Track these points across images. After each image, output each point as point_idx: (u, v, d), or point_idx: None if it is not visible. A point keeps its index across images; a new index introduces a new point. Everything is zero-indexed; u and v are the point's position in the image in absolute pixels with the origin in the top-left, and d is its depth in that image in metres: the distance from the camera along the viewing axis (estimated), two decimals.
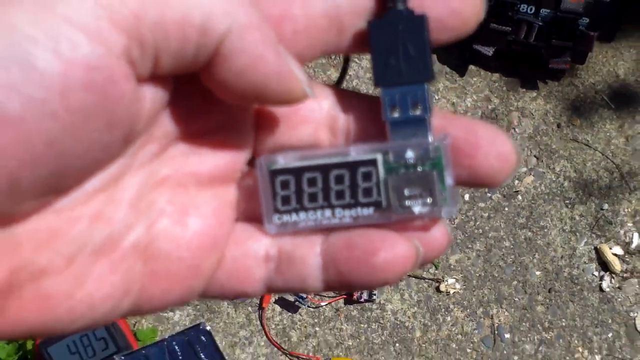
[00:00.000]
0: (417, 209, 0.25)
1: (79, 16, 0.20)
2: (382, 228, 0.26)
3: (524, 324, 1.21)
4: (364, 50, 0.25)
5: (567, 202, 1.25)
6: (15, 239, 0.22)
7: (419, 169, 0.26)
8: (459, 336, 1.21)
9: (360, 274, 0.25)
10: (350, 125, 0.27)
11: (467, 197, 1.23)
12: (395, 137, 0.26)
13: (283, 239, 0.27)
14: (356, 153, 0.26)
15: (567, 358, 1.21)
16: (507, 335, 1.22)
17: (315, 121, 0.27)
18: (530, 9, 1.18)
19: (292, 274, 0.26)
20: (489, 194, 1.23)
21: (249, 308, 1.18)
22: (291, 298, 1.18)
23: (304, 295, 1.17)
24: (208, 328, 1.11)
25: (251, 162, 0.26)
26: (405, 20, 0.25)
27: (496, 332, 1.21)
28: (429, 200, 0.25)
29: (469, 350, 1.20)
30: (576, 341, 1.22)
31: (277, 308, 1.20)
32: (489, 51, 1.24)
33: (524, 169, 1.26)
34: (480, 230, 1.23)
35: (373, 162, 0.26)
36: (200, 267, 0.26)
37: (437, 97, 1.29)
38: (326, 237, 0.26)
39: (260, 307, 1.19)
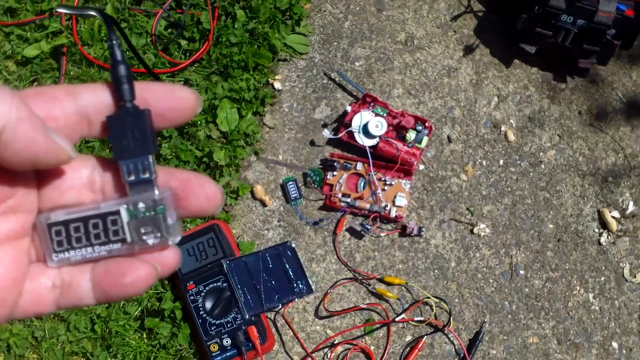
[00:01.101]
0: (151, 241, 0.33)
1: None
2: (131, 256, 0.33)
3: (535, 264, 1.34)
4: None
5: (580, 173, 1.38)
6: None
7: (150, 214, 0.33)
8: (485, 269, 1.34)
9: (116, 291, 0.33)
10: (105, 185, 0.34)
11: (501, 162, 1.37)
12: (133, 192, 0.33)
13: (64, 271, 0.33)
14: (105, 207, 0.33)
15: (567, 293, 1.33)
16: (522, 272, 1.34)
17: (78, 186, 0.33)
18: (570, 19, 1.29)
19: (72, 296, 0.33)
20: (519, 162, 1.38)
21: (325, 233, 1.33)
22: (358, 228, 1.30)
23: (369, 227, 1.29)
24: (293, 245, 1.26)
25: None
26: (132, 114, 0.33)
27: (513, 268, 1.34)
28: (158, 234, 0.33)
29: (491, 281, 1.33)
30: (575, 281, 1.34)
31: (347, 235, 1.33)
32: (532, 49, 1.36)
33: (549, 144, 1.39)
34: (509, 189, 1.37)
35: (117, 212, 0.33)
36: (6, 300, 0.32)
37: (486, 83, 1.41)
38: (94, 266, 0.33)
39: (334, 233, 1.33)
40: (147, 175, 0.33)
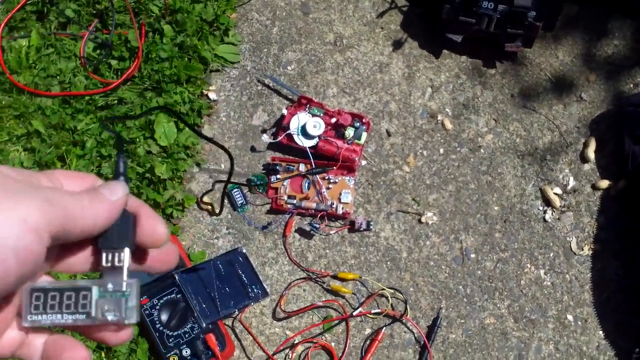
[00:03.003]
0: (110, 317, 0.39)
1: None
2: (92, 328, 0.39)
3: (485, 246, 1.36)
4: None
5: (519, 154, 1.41)
6: None
7: (115, 296, 0.39)
8: (436, 256, 1.36)
9: None
10: None
11: (442, 150, 1.40)
12: (105, 276, 0.40)
13: (30, 332, 0.39)
14: (81, 283, 0.39)
15: (518, 272, 1.35)
16: (473, 255, 1.36)
17: None
18: (490, 5, 1.33)
19: (25, 352, 0.39)
20: (458, 148, 1.40)
21: (275, 236, 1.34)
22: (307, 228, 1.32)
23: (317, 225, 1.32)
24: (244, 251, 1.26)
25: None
26: (122, 214, 0.39)
27: (464, 253, 1.36)
28: (118, 314, 0.39)
29: (443, 267, 1.35)
30: (525, 259, 1.36)
31: (297, 235, 1.35)
32: (458, 38, 1.39)
33: (485, 129, 1.42)
34: (452, 176, 1.40)
35: (90, 289, 0.39)
36: None
37: (418, 75, 1.44)
38: (50, 335, 0.39)
39: (284, 235, 1.34)
40: (120, 264, 0.39)
